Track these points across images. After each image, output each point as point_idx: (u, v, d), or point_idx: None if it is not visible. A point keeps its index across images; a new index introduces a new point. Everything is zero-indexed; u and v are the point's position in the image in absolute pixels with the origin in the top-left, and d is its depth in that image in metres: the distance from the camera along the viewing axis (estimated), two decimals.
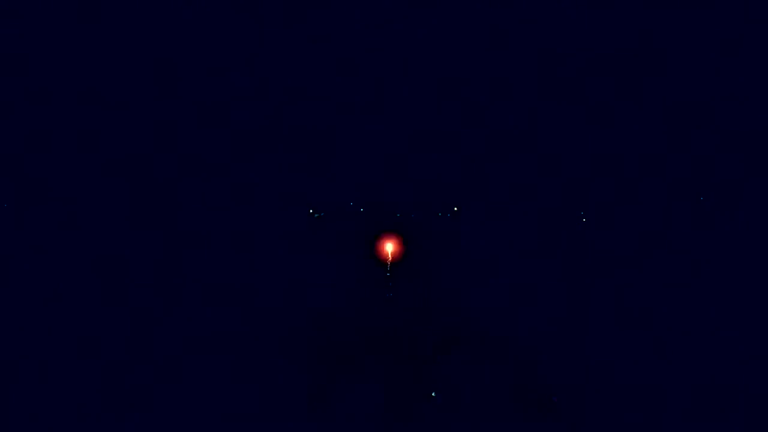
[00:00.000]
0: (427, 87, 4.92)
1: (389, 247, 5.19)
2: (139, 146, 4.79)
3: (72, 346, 4.45)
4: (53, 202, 4.72)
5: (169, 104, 4.80)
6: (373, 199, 4.94)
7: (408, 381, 4.38)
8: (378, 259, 5.01)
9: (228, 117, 4.85)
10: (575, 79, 4.82)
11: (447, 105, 4.91)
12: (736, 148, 4.74)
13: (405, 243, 5.14)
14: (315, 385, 4.31)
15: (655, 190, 4.80)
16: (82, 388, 4.25)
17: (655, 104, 4.81)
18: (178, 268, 4.72)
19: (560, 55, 4.82)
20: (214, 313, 4.59)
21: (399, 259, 4.98)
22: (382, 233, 5.15)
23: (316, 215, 4.89)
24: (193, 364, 4.41)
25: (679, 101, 4.80)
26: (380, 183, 4.94)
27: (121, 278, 4.67)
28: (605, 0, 4.76)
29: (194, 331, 4.52)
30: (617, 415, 4.17)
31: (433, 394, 4.18)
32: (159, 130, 4.79)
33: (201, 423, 4.15)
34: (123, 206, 4.79)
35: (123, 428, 4.09)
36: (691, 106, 4.80)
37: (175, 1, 4.73)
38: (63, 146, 4.73)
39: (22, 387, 4.19)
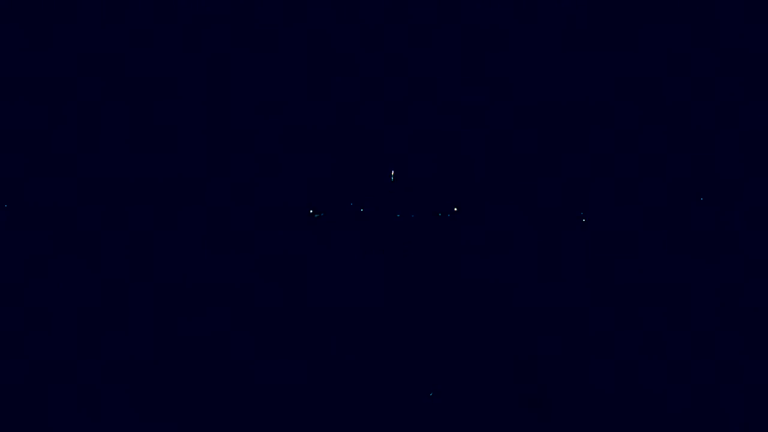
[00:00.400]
0: (426, 86, 4.92)
1: None
2: (139, 145, 4.80)
3: (73, 346, 4.46)
4: (52, 201, 4.74)
5: (168, 103, 4.81)
6: (372, 199, 4.95)
7: (406, 381, 4.39)
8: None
9: (227, 116, 4.86)
10: (575, 78, 4.83)
11: (447, 105, 4.92)
12: (736, 148, 4.75)
13: None
14: (314, 384, 4.32)
15: (655, 190, 4.82)
16: (85, 387, 4.27)
17: (655, 104, 4.82)
18: (177, 267, 4.73)
19: (560, 55, 4.83)
20: (214, 314, 4.61)
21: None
22: None
23: (316, 215, 4.90)
24: (193, 364, 4.42)
25: (680, 101, 4.81)
26: (380, 183, 4.96)
27: (120, 277, 4.69)
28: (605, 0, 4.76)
29: (193, 331, 4.53)
30: (617, 416, 4.18)
31: (430, 394, 4.19)
32: (158, 129, 4.80)
33: (201, 423, 4.16)
34: (122, 205, 4.81)
35: (125, 428, 4.10)
36: (692, 106, 4.80)
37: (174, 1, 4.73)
38: (62, 144, 4.75)
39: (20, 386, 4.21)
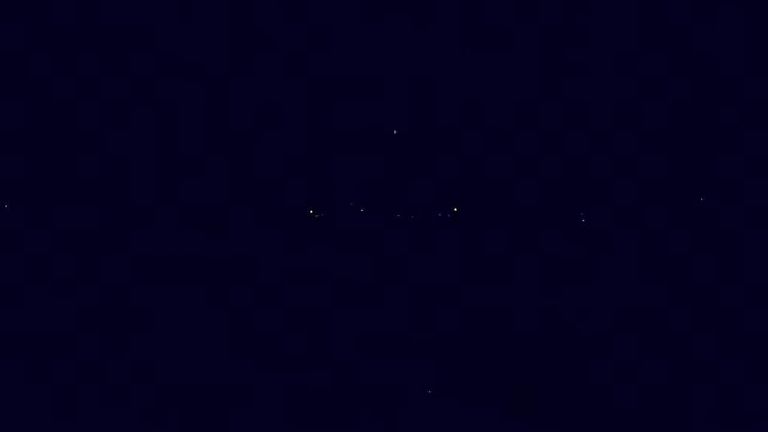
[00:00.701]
0: (426, 86, 4.92)
1: None
2: (138, 144, 4.80)
3: (72, 346, 4.46)
4: (51, 200, 4.73)
5: (167, 103, 4.81)
6: (372, 199, 4.94)
7: (405, 380, 4.38)
8: None
9: (227, 116, 4.86)
10: (575, 78, 4.82)
11: (447, 104, 4.91)
12: (736, 148, 4.75)
13: None
14: (312, 385, 4.32)
15: (655, 190, 4.81)
16: (85, 387, 4.27)
17: (655, 104, 4.81)
18: (176, 267, 4.73)
19: (560, 54, 4.82)
20: (212, 314, 4.60)
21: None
22: None
23: (316, 215, 4.90)
24: (193, 365, 4.42)
25: (680, 101, 4.80)
26: (380, 183, 4.95)
27: (119, 275, 4.68)
28: (604, 2, 4.76)
29: (193, 331, 4.52)
30: (616, 416, 4.18)
31: (429, 392, 4.18)
32: (158, 128, 4.80)
33: (202, 423, 4.16)
34: (122, 205, 4.80)
35: (126, 426, 4.09)
36: (692, 106, 4.80)
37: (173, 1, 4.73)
38: (62, 143, 4.74)
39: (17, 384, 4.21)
